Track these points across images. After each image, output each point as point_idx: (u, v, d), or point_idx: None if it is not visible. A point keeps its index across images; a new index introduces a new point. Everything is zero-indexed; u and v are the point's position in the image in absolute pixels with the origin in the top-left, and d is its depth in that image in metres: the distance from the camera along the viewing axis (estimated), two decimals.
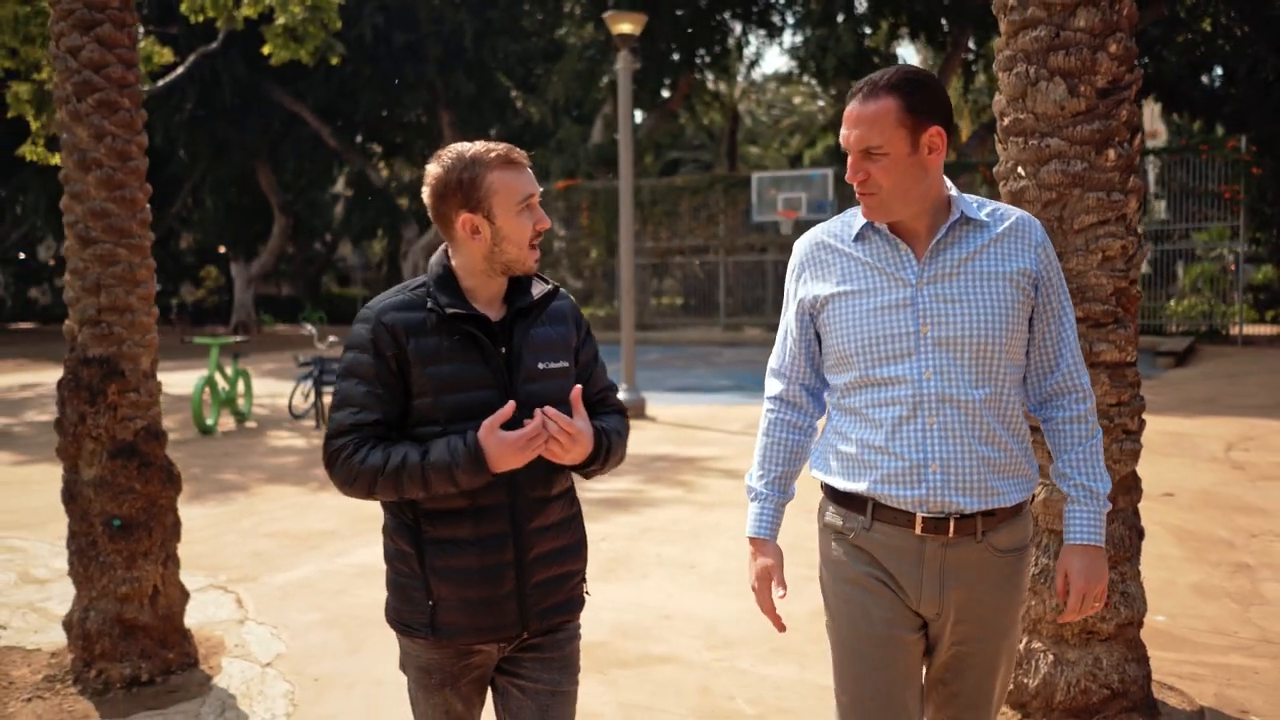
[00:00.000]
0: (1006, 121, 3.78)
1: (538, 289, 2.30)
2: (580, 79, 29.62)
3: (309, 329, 13.39)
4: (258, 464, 9.73)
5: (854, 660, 2.31)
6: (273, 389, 15.05)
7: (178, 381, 13.96)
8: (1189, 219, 23.72)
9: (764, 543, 2.40)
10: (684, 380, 16.20)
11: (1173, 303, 23.93)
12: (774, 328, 27.17)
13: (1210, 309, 23.37)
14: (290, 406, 12.64)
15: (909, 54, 77.10)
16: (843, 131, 2.23)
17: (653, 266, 28.26)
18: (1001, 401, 2.25)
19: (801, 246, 2.42)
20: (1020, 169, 3.75)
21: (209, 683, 4.25)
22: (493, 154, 2.19)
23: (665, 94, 31.36)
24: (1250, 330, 24.25)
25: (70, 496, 4.27)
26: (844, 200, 26.04)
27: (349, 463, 2.14)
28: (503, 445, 2.08)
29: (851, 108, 2.21)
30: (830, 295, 2.30)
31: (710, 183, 27.77)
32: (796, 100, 41.49)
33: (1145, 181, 27.79)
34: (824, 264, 2.34)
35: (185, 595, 4.47)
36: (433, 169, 2.21)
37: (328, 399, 13.10)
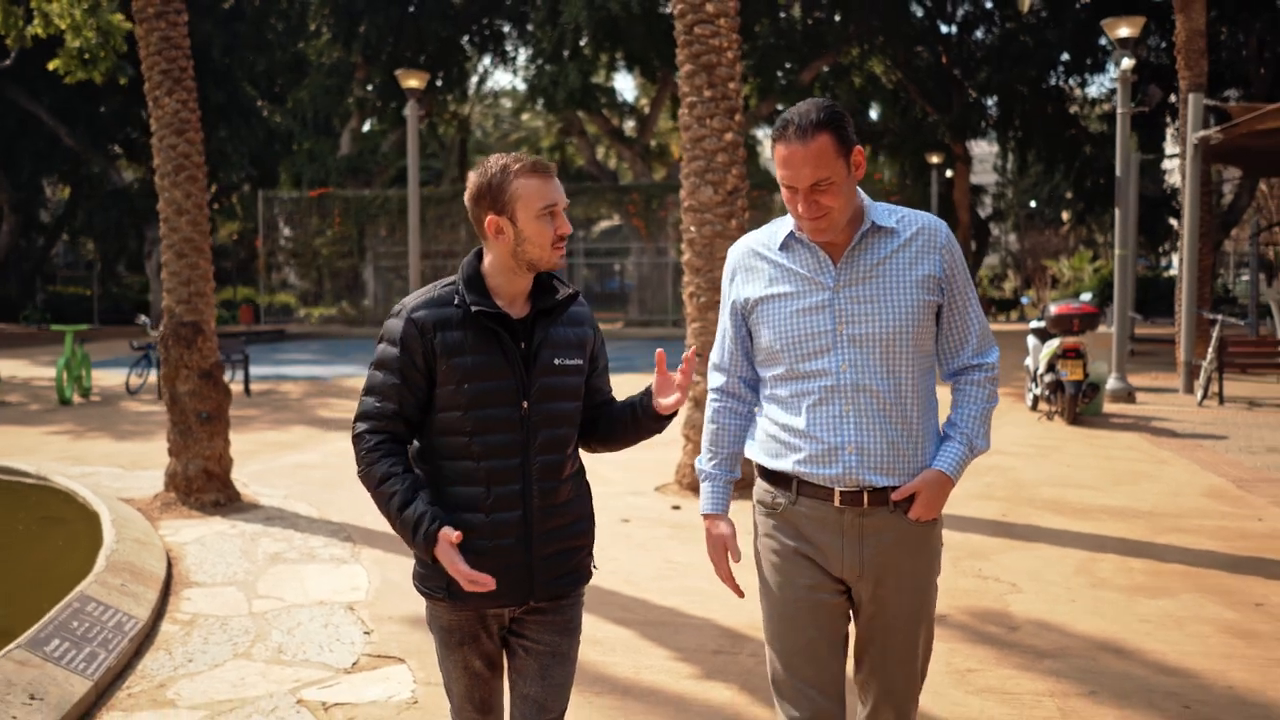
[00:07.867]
0: (685, 204, 7.71)
1: (561, 293, 2.46)
2: (328, 94, 31.98)
3: (142, 319, 15.83)
4: (140, 420, 12.41)
5: (780, 620, 2.54)
6: (97, 374, 17.19)
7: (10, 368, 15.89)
8: None
9: (717, 517, 2.60)
10: None
11: None
12: None
13: None
14: (127, 385, 15.10)
15: (625, 84, 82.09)
16: (784, 172, 2.36)
17: (396, 270, 31.07)
18: (908, 389, 2.45)
19: (734, 253, 2.61)
20: (692, 227, 7.69)
21: (258, 503, 7.50)
22: (520, 164, 2.36)
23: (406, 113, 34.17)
24: None
25: (173, 401, 7.39)
26: (569, 214, 30.00)
27: (363, 459, 2.40)
28: (445, 559, 2.29)
29: (791, 149, 2.33)
30: (760, 298, 2.50)
31: (455, 194, 30.84)
32: (525, 116, 45.21)
33: None
34: (754, 269, 2.54)
35: (232, 460, 7.66)
36: (472, 176, 2.41)
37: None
